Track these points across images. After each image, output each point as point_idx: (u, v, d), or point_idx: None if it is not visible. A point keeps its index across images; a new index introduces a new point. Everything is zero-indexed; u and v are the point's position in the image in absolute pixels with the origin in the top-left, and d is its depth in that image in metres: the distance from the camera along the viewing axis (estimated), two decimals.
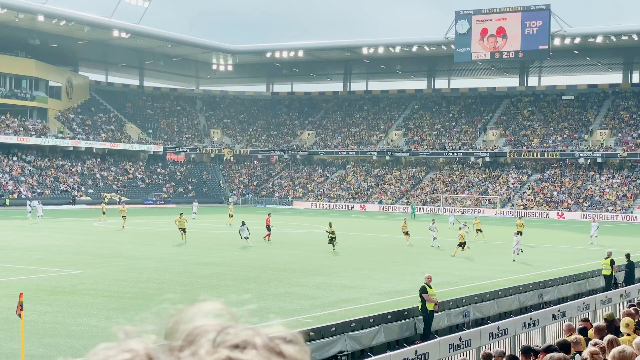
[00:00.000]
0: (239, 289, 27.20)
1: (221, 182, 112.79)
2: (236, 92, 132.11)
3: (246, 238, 42.78)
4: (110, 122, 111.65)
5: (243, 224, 43.97)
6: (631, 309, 15.32)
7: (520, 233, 43.94)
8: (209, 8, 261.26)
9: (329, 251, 40.98)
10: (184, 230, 45.28)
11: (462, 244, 40.56)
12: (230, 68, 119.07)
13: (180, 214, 46.45)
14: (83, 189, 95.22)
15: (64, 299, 24.39)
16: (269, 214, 50.54)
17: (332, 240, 41.65)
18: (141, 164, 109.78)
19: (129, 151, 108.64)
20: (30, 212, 65.82)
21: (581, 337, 12.31)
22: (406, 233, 47.13)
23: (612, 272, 30.55)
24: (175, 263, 34.40)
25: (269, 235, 47.24)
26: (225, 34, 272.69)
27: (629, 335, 11.09)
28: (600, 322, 14.08)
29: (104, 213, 63.78)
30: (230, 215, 62.25)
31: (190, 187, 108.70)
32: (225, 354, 1.09)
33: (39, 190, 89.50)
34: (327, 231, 42.18)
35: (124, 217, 55.17)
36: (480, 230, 50.12)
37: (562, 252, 42.25)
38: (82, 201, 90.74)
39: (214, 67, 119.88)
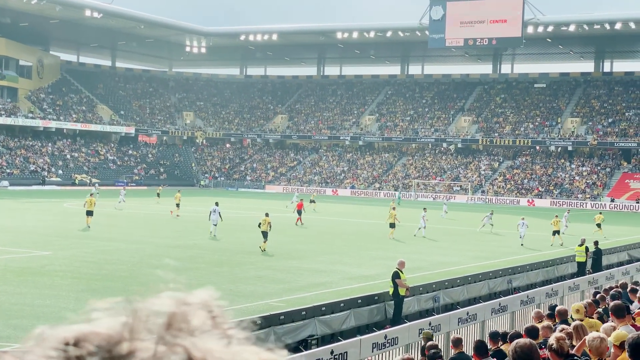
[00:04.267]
0: (210, 272, 27.16)
1: (193, 164, 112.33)
2: (209, 74, 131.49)
3: (214, 225, 39.27)
4: (82, 103, 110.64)
5: (217, 204, 40.65)
6: (592, 299, 15.53)
7: (598, 225, 47.18)
8: None
9: (300, 235, 41.00)
10: (89, 213, 41.43)
11: None
12: (203, 50, 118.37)
13: (91, 194, 43.70)
14: (53, 169, 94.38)
15: (33, 280, 24.19)
16: (301, 200, 51.36)
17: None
18: (112, 145, 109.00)
19: (100, 132, 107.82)
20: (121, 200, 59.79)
21: (550, 323, 12.47)
22: (392, 225, 41.85)
23: (586, 258, 31.18)
24: (146, 245, 34.23)
25: (299, 219, 48.03)
26: (199, 15, 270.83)
27: (581, 320, 11.31)
28: (561, 306, 14.24)
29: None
30: (312, 201, 63.17)
31: (162, 170, 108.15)
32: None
33: (8, 171, 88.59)
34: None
35: (177, 205, 51.65)
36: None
37: (531, 239, 42.60)
38: (52, 182, 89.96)
39: (188, 49, 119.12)
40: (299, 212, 48.82)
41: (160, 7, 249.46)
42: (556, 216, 44.38)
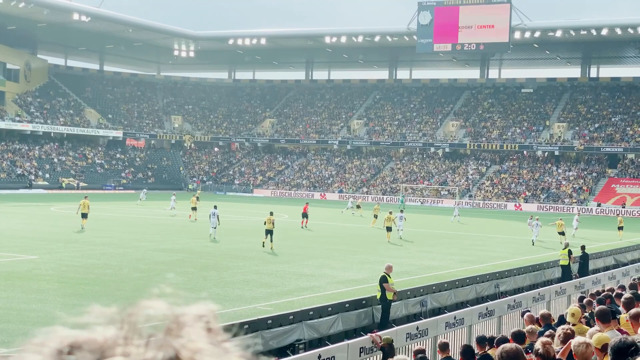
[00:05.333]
0: (197, 276, 27.10)
1: (181, 168, 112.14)
2: (197, 78, 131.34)
3: (214, 228, 39.84)
4: (69, 107, 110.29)
5: (215, 208, 40.67)
6: (578, 303, 15.59)
7: (621, 228, 48.32)
8: None
9: (288, 239, 41.02)
10: (84, 215, 42.87)
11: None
12: (192, 54, 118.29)
13: (86, 197, 45.17)
14: (40, 173, 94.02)
15: (19, 284, 24.08)
16: (306, 203, 52.47)
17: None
18: (100, 149, 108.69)
19: (88, 136, 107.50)
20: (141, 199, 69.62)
21: (536, 327, 12.50)
22: (389, 229, 42.64)
23: (569, 262, 31.29)
24: (134, 249, 34.13)
25: (305, 221, 49.01)
26: (187, 19, 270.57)
27: (574, 325, 11.23)
28: (544, 310, 14.28)
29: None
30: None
31: (150, 173, 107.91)
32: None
33: None
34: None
35: (194, 209, 52.50)
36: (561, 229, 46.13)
37: (518, 243, 42.76)
38: (39, 186, 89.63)
39: (176, 52, 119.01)
40: (305, 215, 49.34)
41: (149, 10, 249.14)
42: (560, 219, 46.30)
